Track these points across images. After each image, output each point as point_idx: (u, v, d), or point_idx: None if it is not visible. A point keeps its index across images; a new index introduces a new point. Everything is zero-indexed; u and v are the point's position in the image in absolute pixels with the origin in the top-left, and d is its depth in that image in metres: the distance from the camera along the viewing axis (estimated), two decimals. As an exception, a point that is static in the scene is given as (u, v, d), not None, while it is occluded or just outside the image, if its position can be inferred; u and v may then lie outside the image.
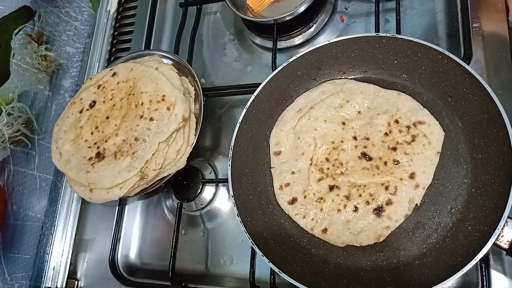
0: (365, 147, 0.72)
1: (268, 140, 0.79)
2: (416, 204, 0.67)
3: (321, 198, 0.72)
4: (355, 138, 0.73)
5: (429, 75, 0.72)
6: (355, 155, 0.73)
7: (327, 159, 0.74)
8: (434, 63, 0.70)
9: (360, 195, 0.69)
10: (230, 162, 0.74)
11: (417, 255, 0.65)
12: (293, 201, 0.73)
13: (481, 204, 0.62)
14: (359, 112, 0.75)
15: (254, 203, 0.74)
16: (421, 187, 0.67)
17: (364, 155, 0.72)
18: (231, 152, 0.74)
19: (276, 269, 0.64)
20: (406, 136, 0.70)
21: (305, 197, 0.73)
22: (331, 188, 0.72)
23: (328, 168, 0.73)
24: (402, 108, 0.72)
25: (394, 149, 0.70)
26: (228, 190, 0.76)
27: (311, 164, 0.74)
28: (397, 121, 0.72)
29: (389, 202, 0.68)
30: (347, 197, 0.70)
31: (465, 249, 0.60)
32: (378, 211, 0.68)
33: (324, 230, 0.70)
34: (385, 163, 0.70)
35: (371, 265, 0.66)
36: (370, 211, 0.68)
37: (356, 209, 0.69)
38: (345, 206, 0.70)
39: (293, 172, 0.75)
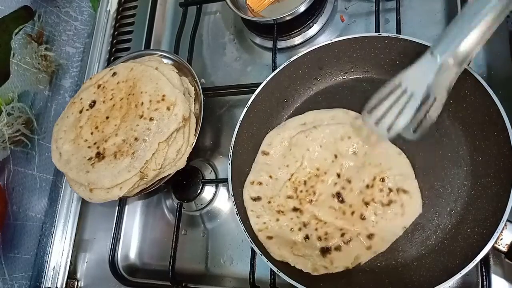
0: (343, 188, 0.71)
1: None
2: (359, 263, 0.66)
3: (282, 212, 0.71)
4: (338, 175, 0.72)
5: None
6: (330, 191, 0.71)
7: (305, 182, 0.73)
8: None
9: (316, 229, 0.69)
10: (230, 161, 0.74)
11: (415, 257, 0.65)
12: (257, 199, 0.73)
13: (480, 206, 0.62)
14: (354, 152, 0.73)
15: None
16: (372, 251, 0.66)
17: (338, 196, 0.71)
18: (231, 151, 0.74)
19: (275, 269, 0.65)
20: (384, 198, 0.68)
21: (269, 202, 0.73)
22: (295, 209, 0.71)
23: (301, 191, 0.73)
24: (394, 169, 0.70)
25: (367, 204, 0.68)
26: (228, 190, 0.76)
27: (289, 179, 0.74)
28: (383, 179, 0.69)
29: (338, 248, 0.67)
30: (304, 224, 0.70)
31: (463, 252, 0.59)
32: (325, 251, 0.67)
33: (269, 237, 0.69)
34: (353, 212, 0.69)
35: (370, 266, 0.66)
36: (318, 247, 0.67)
37: (306, 238, 0.69)
38: (299, 229, 0.70)
39: (270, 177, 0.75)
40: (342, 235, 0.67)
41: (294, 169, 0.74)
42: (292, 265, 0.66)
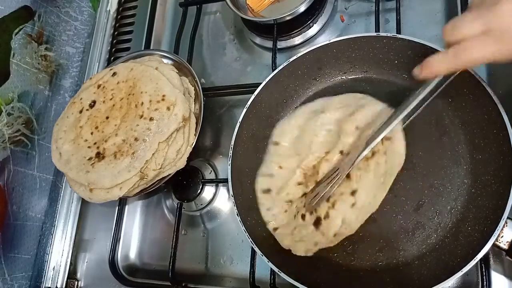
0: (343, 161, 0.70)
1: (268, 139, 0.78)
2: (350, 225, 0.65)
3: (291, 201, 0.72)
4: (341, 152, 0.71)
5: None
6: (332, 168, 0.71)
7: (314, 167, 0.73)
8: (435, 63, 0.69)
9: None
10: (230, 161, 0.74)
11: (416, 256, 0.65)
12: (267, 191, 0.74)
13: (480, 204, 0.62)
14: (357, 127, 0.71)
15: (254, 203, 0.74)
16: (357, 207, 0.65)
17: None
18: (231, 151, 0.74)
19: (276, 269, 0.64)
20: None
21: (277, 193, 0.73)
22: (303, 195, 0.72)
23: (310, 175, 0.73)
24: (378, 121, 0.69)
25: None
26: (228, 190, 0.76)
27: (299, 166, 0.74)
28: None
29: (326, 216, 0.66)
30: (304, 206, 0.70)
31: (464, 250, 0.60)
32: (317, 223, 0.67)
33: (275, 229, 0.70)
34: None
35: (371, 265, 0.66)
36: (311, 222, 0.67)
37: (303, 217, 0.69)
38: (298, 212, 0.70)
39: (280, 167, 0.75)
40: (328, 200, 0.67)
41: (304, 156, 0.74)
42: (293, 252, 0.67)
